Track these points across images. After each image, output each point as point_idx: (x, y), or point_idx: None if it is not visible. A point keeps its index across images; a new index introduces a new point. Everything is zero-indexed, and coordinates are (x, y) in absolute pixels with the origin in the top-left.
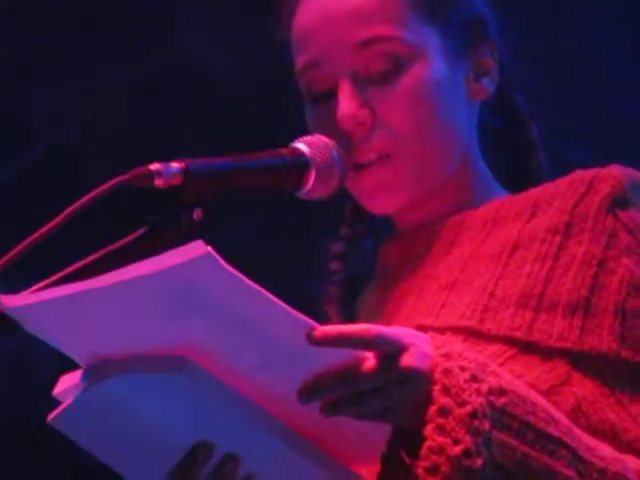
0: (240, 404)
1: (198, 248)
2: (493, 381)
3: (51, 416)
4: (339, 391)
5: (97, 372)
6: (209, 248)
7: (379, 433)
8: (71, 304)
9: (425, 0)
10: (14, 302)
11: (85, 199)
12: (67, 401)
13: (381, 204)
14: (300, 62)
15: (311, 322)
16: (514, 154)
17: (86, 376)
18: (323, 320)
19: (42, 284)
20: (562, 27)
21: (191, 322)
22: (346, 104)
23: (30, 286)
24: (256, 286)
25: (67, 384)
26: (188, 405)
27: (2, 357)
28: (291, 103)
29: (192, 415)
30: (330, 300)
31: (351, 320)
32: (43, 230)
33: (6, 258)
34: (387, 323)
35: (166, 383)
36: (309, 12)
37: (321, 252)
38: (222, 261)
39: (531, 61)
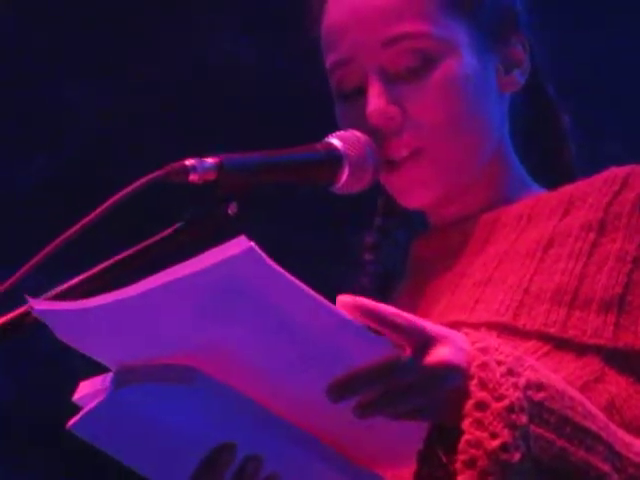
0: (257, 413)
1: (241, 244)
2: (531, 375)
3: (71, 422)
4: (372, 387)
5: (115, 380)
6: (252, 243)
7: (414, 432)
8: (107, 312)
9: None
10: (44, 307)
11: (120, 195)
12: (86, 407)
13: (415, 200)
14: (330, 60)
15: (353, 321)
16: (546, 145)
17: (106, 383)
18: None
19: (77, 280)
20: (594, 19)
21: (230, 321)
22: (375, 100)
23: (63, 281)
24: (298, 281)
25: (86, 390)
26: (208, 411)
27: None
28: (322, 99)
29: (212, 419)
30: (363, 292)
31: None
32: (78, 226)
33: (42, 254)
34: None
35: (183, 392)
36: (338, 10)
37: (356, 245)
38: (265, 256)
39: (560, 52)
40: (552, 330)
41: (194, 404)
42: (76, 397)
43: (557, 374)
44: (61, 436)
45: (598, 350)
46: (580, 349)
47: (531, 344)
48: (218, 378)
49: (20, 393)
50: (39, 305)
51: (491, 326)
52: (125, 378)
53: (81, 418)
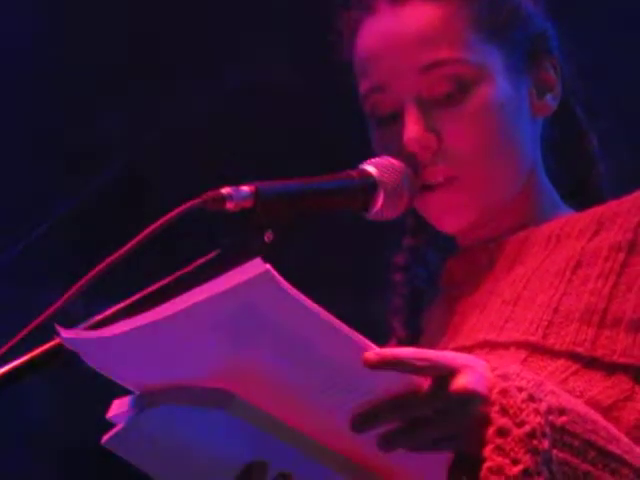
0: (290, 436)
1: (256, 267)
2: (552, 400)
3: (104, 439)
4: (395, 417)
5: (147, 399)
6: (268, 266)
7: (438, 462)
8: (130, 339)
9: (487, 20)
10: (71, 335)
11: (157, 223)
12: (119, 425)
13: (450, 225)
14: (364, 86)
15: (370, 344)
16: (574, 166)
17: (136, 402)
18: (388, 333)
19: (112, 310)
20: (623, 36)
21: (248, 345)
22: (412, 128)
23: (101, 308)
24: (315, 306)
25: (120, 408)
26: (239, 431)
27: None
28: (363, 121)
29: (243, 439)
30: (395, 312)
31: (417, 334)
32: (117, 254)
33: (81, 282)
34: (451, 339)
35: (215, 413)
36: (372, 35)
37: (386, 266)
38: (281, 279)
39: (594, 72)
40: (581, 349)
41: (227, 424)
42: (110, 415)
43: (586, 393)
44: (100, 453)
45: (627, 369)
46: (609, 368)
47: (560, 363)
48: (246, 399)
49: (60, 410)
50: (67, 334)
51: (520, 345)
52: (157, 397)
53: (113, 435)
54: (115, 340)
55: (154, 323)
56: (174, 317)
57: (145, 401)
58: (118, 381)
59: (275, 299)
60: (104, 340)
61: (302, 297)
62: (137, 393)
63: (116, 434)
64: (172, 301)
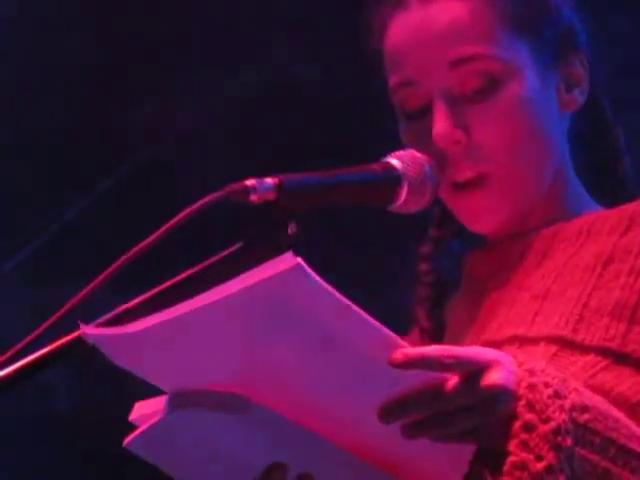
0: (307, 437)
1: (288, 260)
2: (576, 398)
3: (126, 441)
4: (424, 410)
5: (169, 404)
6: (299, 260)
7: (459, 455)
8: (153, 335)
9: (515, 15)
10: (95, 332)
11: (181, 215)
12: (141, 427)
13: (482, 226)
14: (393, 80)
15: (401, 341)
16: (601, 160)
17: (159, 405)
18: (412, 323)
19: (135, 302)
20: None
21: (276, 340)
22: (441, 124)
23: (124, 301)
24: (346, 300)
25: (142, 411)
26: (259, 434)
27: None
28: (386, 116)
29: (264, 441)
30: (419, 302)
31: (440, 324)
32: (139, 247)
33: (103, 275)
34: (479, 334)
35: (237, 418)
36: (401, 30)
37: (411, 258)
38: (312, 273)
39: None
40: (611, 345)
41: (248, 428)
42: (132, 417)
43: (616, 388)
44: (118, 454)
45: None
46: (639, 364)
47: (590, 358)
48: (269, 404)
49: (82, 408)
50: (90, 331)
51: (550, 340)
52: (179, 402)
53: (136, 437)
54: (141, 335)
55: (182, 316)
56: (202, 310)
57: (169, 404)
58: (146, 379)
59: (306, 292)
60: (129, 336)
61: (333, 291)
62: (167, 395)
63: (140, 435)
64: (199, 296)
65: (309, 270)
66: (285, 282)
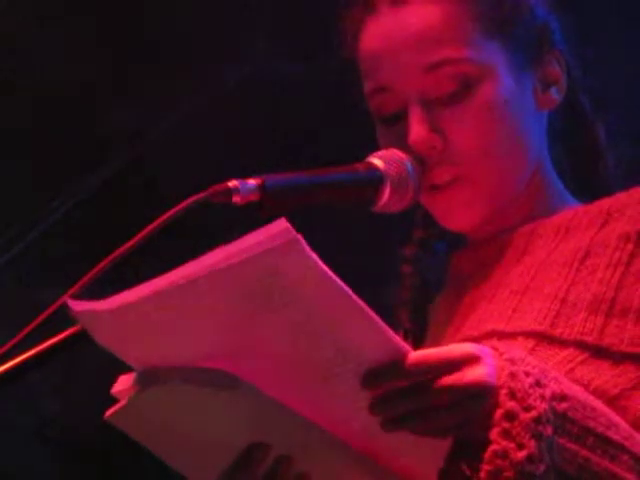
0: (293, 419)
1: (283, 231)
2: (555, 387)
3: (107, 413)
4: (408, 405)
5: (151, 377)
6: (296, 234)
7: (435, 449)
8: (144, 306)
9: (488, 17)
10: (83, 307)
11: (163, 218)
12: (121, 401)
13: (458, 223)
14: (369, 86)
15: (388, 329)
16: (581, 157)
17: (140, 379)
18: (395, 326)
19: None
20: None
21: (268, 312)
22: (417, 128)
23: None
24: (336, 277)
25: (125, 384)
26: (242, 412)
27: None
28: (368, 116)
29: (246, 420)
30: (402, 304)
31: (423, 325)
32: (122, 249)
33: (86, 278)
34: (458, 329)
35: (218, 394)
36: (375, 36)
37: (396, 259)
38: (308, 249)
39: (599, 63)
40: (589, 338)
41: (231, 405)
42: (114, 390)
43: (593, 382)
44: (108, 453)
45: (635, 358)
46: (617, 357)
47: (568, 352)
48: (253, 382)
49: (67, 410)
50: (78, 306)
51: (528, 335)
52: (161, 375)
53: (116, 411)
54: (132, 307)
55: (173, 288)
56: (196, 282)
57: (149, 378)
58: (124, 359)
59: (301, 268)
60: (119, 309)
61: (325, 268)
62: (140, 370)
63: (119, 410)
64: (191, 262)
65: (306, 246)
66: (281, 256)
